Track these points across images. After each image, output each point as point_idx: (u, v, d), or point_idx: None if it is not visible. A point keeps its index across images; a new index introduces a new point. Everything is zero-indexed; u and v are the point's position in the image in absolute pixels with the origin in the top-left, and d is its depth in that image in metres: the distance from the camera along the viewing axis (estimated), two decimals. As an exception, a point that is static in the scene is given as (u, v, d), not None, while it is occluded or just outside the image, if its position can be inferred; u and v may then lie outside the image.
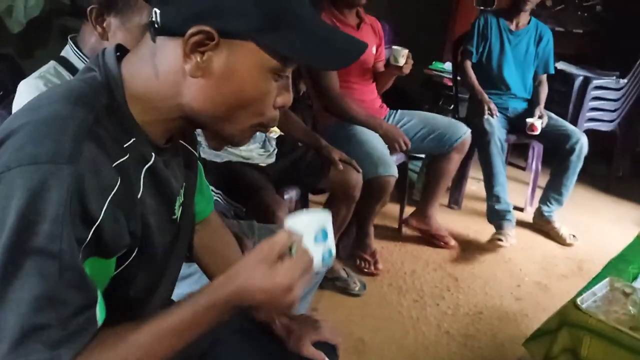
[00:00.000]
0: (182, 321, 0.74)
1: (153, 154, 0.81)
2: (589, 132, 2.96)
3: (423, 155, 3.10)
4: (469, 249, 2.79)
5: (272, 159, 2.13)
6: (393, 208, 3.03)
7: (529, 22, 3.01)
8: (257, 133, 2.08)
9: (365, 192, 2.25)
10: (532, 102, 3.03)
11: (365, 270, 2.49)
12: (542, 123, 2.83)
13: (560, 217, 3.01)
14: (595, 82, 3.51)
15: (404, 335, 2.12)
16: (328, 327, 1.15)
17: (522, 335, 1.93)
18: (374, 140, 2.42)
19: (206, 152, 1.95)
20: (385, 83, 2.66)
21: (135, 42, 0.81)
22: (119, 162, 0.73)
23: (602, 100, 3.57)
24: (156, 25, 0.74)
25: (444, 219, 3.06)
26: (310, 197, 2.47)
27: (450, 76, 3.56)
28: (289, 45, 0.74)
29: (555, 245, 2.93)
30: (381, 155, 2.35)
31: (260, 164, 2.08)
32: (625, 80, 3.55)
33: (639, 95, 3.63)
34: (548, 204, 2.96)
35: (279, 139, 2.22)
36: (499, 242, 2.67)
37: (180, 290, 1.27)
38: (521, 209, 3.29)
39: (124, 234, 0.74)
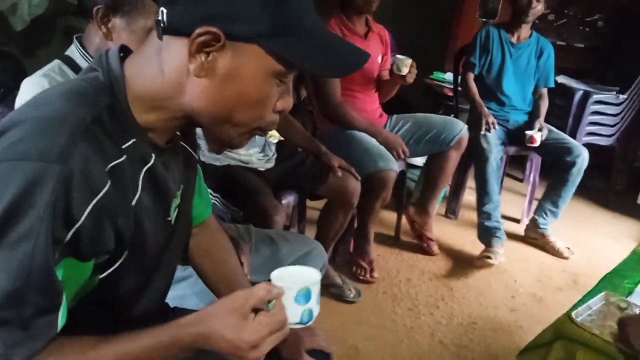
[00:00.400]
0: (144, 350, 0.74)
1: (153, 155, 0.81)
2: (588, 146, 2.97)
3: (421, 164, 3.10)
4: (464, 259, 2.79)
5: (271, 164, 2.14)
6: (390, 216, 3.04)
7: (530, 36, 3.02)
8: (257, 137, 2.09)
9: (366, 189, 2.25)
10: (533, 115, 3.04)
11: (361, 277, 2.49)
12: (541, 136, 2.84)
13: (557, 230, 3.02)
14: (595, 97, 3.52)
15: (398, 344, 2.11)
16: (322, 336, 1.15)
17: (516, 346, 1.93)
18: (373, 140, 2.45)
19: (206, 155, 1.95)
20: (389, 92, 2.66)
21: (139, 44, 0.82)
22: (114, 163, 0.73)
23: (602, 114, 3.58)
24: (162, 25, 0.74)
25: (440, 228, 3.07)
26: (308, 202, 2.47)
27: (451, 86, 3.57)
28: (294, 51, 0.75)
29: (551, 257, 2.93)
30: (381, 151, 2.38)
31: (259, 169, 2.09)
32: (625, 96, 3.56)
33: (638, 111, 3.64)
34: (543, 215, 2.96)
35: (278, 144, 2.23)
36: (488, 260, 2.65)
37: (176, 292, 1.28)
38: (517, 221, 3.30)
39: (106, 239, 0.73)
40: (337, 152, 2.31)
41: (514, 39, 3.01)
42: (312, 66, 0.79)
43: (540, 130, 2.87)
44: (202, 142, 1.85)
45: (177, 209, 0.92)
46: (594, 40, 4.25)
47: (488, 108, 2.99)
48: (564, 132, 3.16)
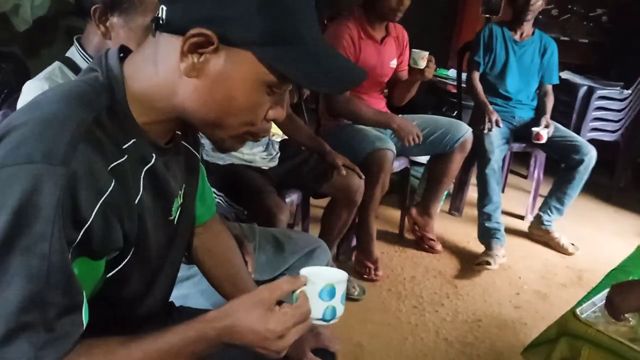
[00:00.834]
0: (172, 346, 0.75)
1: (154, 154, 0.81)
2: (592, 142, 2.96)
3: (425, 161, 3.10)
4: (468, 256, 2.79)
5: (275, 163, 2.14)
6: (394, 213, 3.04)
7: (533, 34, 3.02)
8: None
9: (364, 171, 2.24)
10: (539, 112, 3.03)
11: (365, 276, 2.49)
12: (548, 132, 2.83)
13: (561, 226, 3.01)
14: (599, 92, 3.51)
15: (403, 341, 2.11)
16: (327, 334, 1.15)
17: (521, 344, 1.93)
18: (373, 129, 2.46)
19: (209, 154, 1.95)
20: (408, 90, 2.59)
21: (138, 42, 0.82)
22: (115, 163, 0.73)
23: (606, 110, 3.56)
24: (161, 22, 0.74)
25: (444, 225, 3.07)
26: (312, 200, 2.47)
27: (455, 83, 3.56)
28: (286, 62, 0.74)
29: (555, 254, 2.92)
30: (378, 134, 2.40)
31: (263, 167, 2.09)
32: (630, 91, 3.55)
33: (642, 106, 3.63)
34: (548, 212, 2.96)
35: (282, 142, 2.23)
36: (487, 266, 2.62)
37: (181, 292, 1.28)
38: (522, 217, 3.29)
39: (115, 236, 0.74)
40: (339, 147, 2.31)
41: (517, 37, 3.00)
42: (304, 80, 0.79)
43: (546, 127, 2.86)
44: (205, 142, 1.85)
45: (179, 209, 0.92)
46: (597, 36, 4.24)
47: (493, 104, 2.99)
48: (568, 128, 3.15)
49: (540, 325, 2.12)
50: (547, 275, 2.72)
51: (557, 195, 2.92)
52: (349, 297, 2.30)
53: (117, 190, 0.72)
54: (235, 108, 0.77)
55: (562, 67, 3.36)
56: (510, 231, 3.07)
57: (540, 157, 3.23)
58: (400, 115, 2.71)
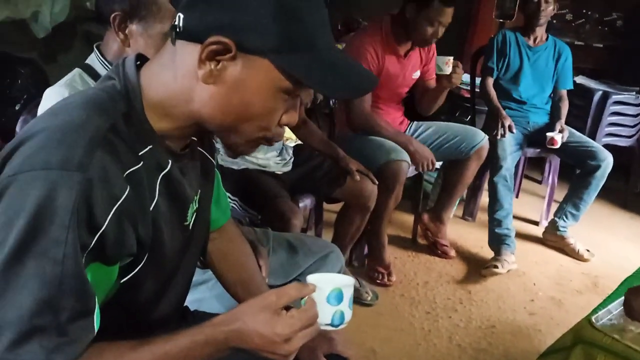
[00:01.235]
0: (180, 349, 0.76)
1: (170, 161, 0.82)
2: (607, 147, 2.93)
3: (438, 166, 3.09)
4: (482, 261, 2.77)
5: (289, 167, 2.15)
6: (407, 218, 3.03)
7: (547, 39, 3.00)
8: (276, 143, 2.10)
9: (378, 182, 2.24)
10: (553, 116, 3.01)
11: (378, 281, 2.49)
12: (562, 137, 2.81)
13: (576, 232, 2.99)
14: (615, 97, 3.48)
15: (415, 347, 2.11)
16: (340, 340, 1.15)
17: (535, 351, 1.92)
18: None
19: (224, 159, 1.97)
20: (436, 99, 2.57)
21: (157, 50, 0.83)
22: (131, 170, 0.74)
23: (621, 115, 3.53)
24: (178, 30, 0.76)
25: (457, 230, 3.05)
26: (325, 205, 2.48)
27: (468, 88, 3.55)
28: (302, 68, 0.76)
29: (570, 260, 2.90)
30: (393, 145, 2.38)
31: (277, 172, 2.10)
32: (645, 96, 3.52)
33: (658, 112, 3.59)
34: (564, 218, 2.93)
35: (295, 147, 2.24)
36: (494, 269, 2.61)
37: (196, 296, 1.29)
38: (536, 223, 3.27)
39: (129, 242, 0.75)
40: (354, 153, 2.32)
41: (530, 42, 2.99)
42: (319, 86, 0.80)
43: (561, 132, 2.84)
44: (220, 146, 1.86)
45: (194, 214, 0.93)
46: (612, 40, 4.20)
47: (507, 108, 2.97)
48: (583, 133, 3.13)
49: (555, 332, 2.11)
50: (561, 282, 2.69)
51: (572, 200, 2.90)
52: (362, 302, 2.30)
53: (132, 196, 0.74)
54: (251, 113, 0.79)
55: (577, 71, 3.34)
56: (524, 237, 3.06)
57: (555, 162, 3.21)
58: (415, 122, 2.72)
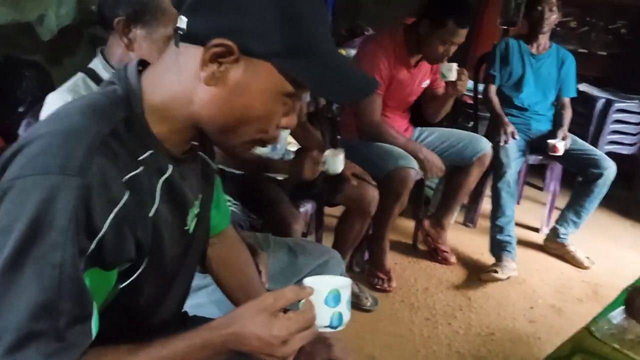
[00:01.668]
0: (177, 353, 0.76)
1: (170, 165, 0.83)
2: (610, 155, 2.93)
3: (441, 172, 3.10)
4: (482, 268, 2.77)
5: (291, 173, 2.15)
6: (408, 224, 3.03)
7: (550, 47, 3.01)
8: (278, 147, 2.10)
9: (385, 189, 2.25)
10: (556, 124, 3.01)
11: (378, 287, 2.49)
12: (565, 145, 2.82)
13: (577, 240, 2.98)
14: (618, 105, 3.49)
15: (415, 354, 2.11)
16: (339, 346, 1.15)
17: (535, 358, 1.92)
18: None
19: (226, 163, 1.97)
20: (442, 105, 2.58)
21: (160, 53, 0.84)
22: (130, 175, 0.75)
23: (624, 123, 3.54)
24: (180, 32, 0.76)
25: (458, 236, 3.05)
26: (326, 209, 2.48)
27: (471, 94, 3.55)
28: (305, 73, 0.76)
29: (571, 268, 2.89)
30: (401, 152, 2.38)
31: (278, 177, 2.10)
32: (648, 104, 3.52)
33: (661, 120, 3.59)
34: (565, 225, 2.93)
35: (297, 151, 2.24)
36: (493, 274, 2.62)
37: (195, 301, 1.29)
38: (537, 230, 3.27)
39: (127, 247, 0.75)
40: (360, 159, 2.32)
41: (533, 50, 2.99)
42: (321, 90, 0.81)
43: (563, 139, 2.84)
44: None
45: (195, 219, 0.93)
46: (616, 48, 4.20)
47: (509, 115, 2.98)
48: (586, 140, 3.13)
49: (554, 340, 2.10)
50: (562, 290, 2.69)
51: (574, 208, 2.89)
52: (361, 308, 2.30)
53: (132, 201, 0.74)
54: (251, 116, 0.79)
55: (580, 79, 3.34)
56: (525, 244, 3.06)
57: (557, 169, 3.21)
58: (418, 128, 2.73)
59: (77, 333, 0.70)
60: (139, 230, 0.77)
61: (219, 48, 0.73)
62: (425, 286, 2.59)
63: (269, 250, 1.57)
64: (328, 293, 0.83)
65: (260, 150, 2.05)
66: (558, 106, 3.07)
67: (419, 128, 2.73)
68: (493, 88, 3.03)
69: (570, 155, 2.86)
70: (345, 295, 0.85)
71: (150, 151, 0.79)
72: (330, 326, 0.84)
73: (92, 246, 0.70)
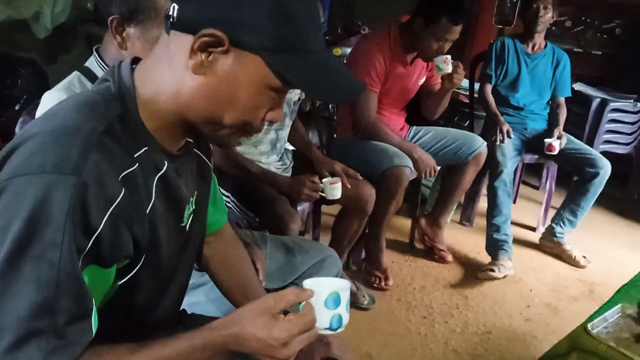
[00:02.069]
0: (179, 353, 0.76)
1: (166, 162, 0.83)
2: (605, 154, 2.95)
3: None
4: (479, 267, 2.77)
5: (289, 172, 2.15)
6: (405, 222, 3.04)
7: (545, 46, 3.01)
8: (277, 146, 2.10)
9: (380, 188, 2.25)
10: (551, 123, 3.02)
11: (375, 285, 2.49)
12: (560, 144, 2.83)
13: (573, 239, 2.99)
14: (613, 105, 3.50)
15: (412, 352, 2.11)
16: (337, 344, 1.16)
17: (531, 357, 1.92)
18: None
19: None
20: (440, 102, 2.58)
21: None
22: (126, 172, 0.75)
23: (619, 122, 3.55)
24: (171, 20, 0.76)
25: (455, 235, 3.06)
26: (323, 208, 2.48)
27: (467, 93, 3.56)
28: (294, 69, 0.76)
29: (567, 266, 2.90)
30: (396, 150, 2.39)
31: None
32: (643, 104, 3.54)
33: (656, 119, 3.61)
34: (561, 224, 2.94)
35: (295, 152, 2.25)
36: (490, 273, 2.63)
37: (192, 299, 1.29)
38: (533, 229, 3.28)
39: (125, 244, 0.75)
40: (356, 158, 2.32)
41: (529, 49, 3.00)
42: (308, 88, 0.81)
43: (559, 138, 2.85)
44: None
45: (191, 215, 0.93)
46: (611, 48, 4.21)
47: (505, 114, 2.98)
48: (581, 140, 3.14)
49: (551, 338, 2.11)
50: (558, 288, 2.70)
51: (570, 207, 2.91)
52: (358, 307, 2.30)
53: (128, 198, 0.74)
54: (237, 107, 0.79)
55: (576, 78, 3.35)
56: (521, 242, 3.07)
57: (552, 168, 3.22)
58: (414, 127, 2.73)
59: (77, 330, 0.70)
60: (136, 227, 0.77)
61: (209, 38, 0.73)
62: (422, 284, 2.59)
63: (266, 248, 1.56)
64: (328, 296, 0.83)
65: (258, 149, 2.05)
66: (553, 106, 3.08)
67: (414, 127, 2.73)
68: (489, 87, 3.04)
69: (565, 155, 2.87)
70: (345, 298, 0.86)
71: (145, 148, 0.79)
72: (329, 328, 0.84)
73: (90, 244, 0.70)
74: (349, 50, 2.95)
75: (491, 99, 3.01)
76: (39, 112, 1.25)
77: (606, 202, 3.60)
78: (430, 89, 2.63)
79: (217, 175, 1.14)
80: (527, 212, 3.45)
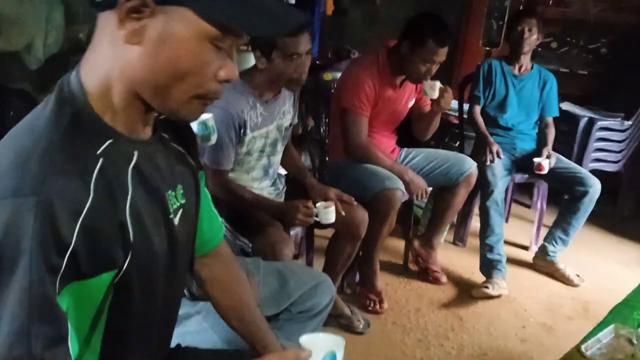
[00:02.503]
0: None
1: (135, 151, 0.81)
2: (594, 172, 2.98)
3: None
4: (473, 287, 2.77)
5: (282, 197, 2.16)
6: (398, 244, 3.04)
7: (532, 68, 3.07)
8: (270, 171, 2.10)
9: (372, 210, 2.25)
10: (540, 143, 3.06)
11: (370, 308, 2.48)
12: (549, 163, 2.85)
13: (566, 257, 3.00)
14: (600, 124, 3.54)
15: (408, 376, 2.10)
16: None
17: (527, 378, 1.91)
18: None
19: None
20: (429, 124, 2.60)
21: None
22: (91, 173, 0.73)
23: (607, 141, 3.59)
24: (97, 4, 0.76)
25: (448, 255, 3.06)
26: (317, 231, 2.48)
27: (456, 114, 3.60)
28: (223, 11, 0.74)
29: (561, 285, 2.91)
30: (388, 173, 2.40)
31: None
32: (630, 122, 3.58)
33: (644, 137, 3.65)
34: (553, 243, 2.95)
35: (287, 176, 2.26)
36: (485, 290, 2.64)
37: (186, 329, 1.29)
38: (526, 248, 3.29)
39: (105, 249, 0.74)
40: (348, 180, 2.33)
41: (515, 71, 3.05)
42: (240, 25, 0.77)
43: (548, 157, 2.88)
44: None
45: (180, 210, 0.91)
46: (597, 67, 4.28)
47: (494, 134, 3.02)
48: (570, 158, 3.17)
49: (546, 358, 2.11)
50: (552, 307, 2.70)
51: (561, 226, 2.92)
52: (353, 331, 2.29)
53: (99, 200, 0.72)
54: (181, 69, 0.76)
55: (563, 98, 3.39)
56: (514, 262, 3.07)
57: (543, 187, 3.25)
58: (405, 149, 2.75)
59: (55, 355, 0.69)
60: (116, 226, 0.75)
61: (132, 2, 0.72)
62: (417, 307, 2.59)
63: (259, 275, 1.56)
64: (325, 356, 0.88)
65: (251, 175, 2.06)
66: (542, 125, 3.12)
67: (405, 149, 2.76)
68: (477, 108, 3.08)
69: (555, 174, 2.89)
70: (340, 355, 0.91)
71: (109, 140, 0.77)
72: None
73: (65, 261, 0.68)
74: (338, 74, 2.98)
75: (480, 120, 3.05)
76: None
77: (597, 219, 3.61)
78: (420, 111, 2.65)
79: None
80: (520, 230, 3.46)
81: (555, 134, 3.09)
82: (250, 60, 2.00)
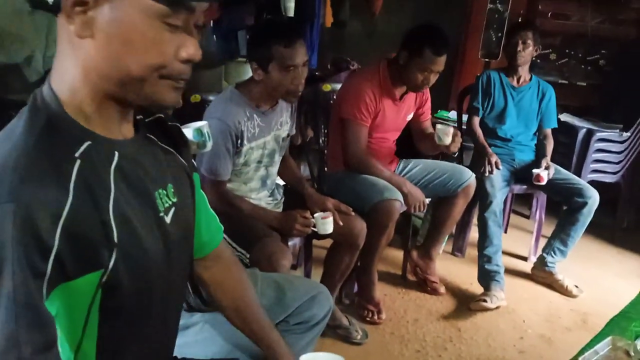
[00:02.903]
0: None
1: (116, 152, 0.81)
2: (593, 183, 2.98)
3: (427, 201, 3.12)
4: (471, 298, 2.77)
5: (280, 208, 2.17)
6: (397, 254, 3.04)
7: (530, 79, 3.08)
8: (267, 182, 2.11)
9: (371, 221, 2.26)
10: (539, 154, 3.07)
11: (368, 319, 2.48)
12: (548, 174, 2.86)
13: (564, 268, 3.00)
14: (599, 135, 3.55)
15: (406, 387, 2.09)
16: None
17: (525, 390, 1.91)
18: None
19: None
20: (434, 150, 2.66)
21: None
22: (70, 175, 0.73)
23: (606, 152, 3.60)
24: (51, 10, 0.76)
25: (447, 266, 3.06)
26: (315, 241, 2.48)
27: (455, 125, 3.61)
28: None
29: (559, 296, 2.90)
30: (386, 184, 2.40)
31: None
32: (629, 133, 3.59)
33: (642, 148, 3.66)
34: (552, 254, 2.95)
35: (285, 187, 2.26)
36: (483, 303, 2.64)
37: (184, 340, 1.29)
38: (525, 258, 3.29)
39: (90, 249, 0.74)
40: (346, 191, 2.33)
41: (514, 82, 3.07)
42: None
43: (547, 168, 2.89)
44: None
45: (173, 209, 0.90)
46: (595, 79, 4.30)
47: (493, 145, 3.03)
48: (569, 170, 3.18)
49: (544, 371, 2.10)
50: (551, 319, 2.69)
51: (560, 237, 2.93)
52: (351, 342, 2.28)
53: (79, 201, 0.72)
54: (137, 53, 0.76)
55: (561, 109, 3.41)
56: (513, 272, 3.07)
57: (542, 198, 3.25)
58: (403, 160, 2.76)
59: None
60: (99, 225, 0.75)
61: None
62: (415, 317, 2.58)
63: (257, 287, 1.56)
64: None
65: (248, 186, 2.07)
66: (540, 137, 3.13)
67: (404, 160, 2.76)
68: (476, 120, 3.09)
69: (554, 185, 2.90)
70: None
71: (88, 142, 0.77)
72: None
73: (50, 265, 0.68)
74: (338, 85, 3.00)
75: (479, 131, 3.06)
76: None
77: (596, 230, 3.62)
78: (420, 126, 2.67)
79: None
80: (519, 241, 3.46)
81: (554, 145, 3.10)
82: (248, 71, 2.01)
